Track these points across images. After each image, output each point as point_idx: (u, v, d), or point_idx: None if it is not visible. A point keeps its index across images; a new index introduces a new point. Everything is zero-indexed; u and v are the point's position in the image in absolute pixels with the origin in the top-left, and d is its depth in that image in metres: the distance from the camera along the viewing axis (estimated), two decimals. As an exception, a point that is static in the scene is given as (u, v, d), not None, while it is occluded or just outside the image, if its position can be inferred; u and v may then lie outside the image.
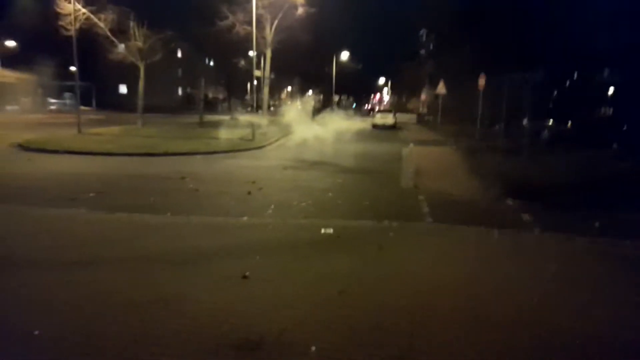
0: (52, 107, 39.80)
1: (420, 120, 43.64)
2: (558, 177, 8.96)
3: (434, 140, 22.96)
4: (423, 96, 47.72)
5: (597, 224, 6.89)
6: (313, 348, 3.04)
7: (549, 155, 13.43)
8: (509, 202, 8.40)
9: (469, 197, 9.06)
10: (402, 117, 43.72)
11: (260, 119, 23.15)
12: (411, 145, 19.56)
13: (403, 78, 60.51)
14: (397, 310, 3.65)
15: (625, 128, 21.39)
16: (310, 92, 54.32)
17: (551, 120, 29.30)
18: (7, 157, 12.51)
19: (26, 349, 2.99)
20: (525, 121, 23.12)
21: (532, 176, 9.06)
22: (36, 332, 3.15)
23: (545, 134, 23.79)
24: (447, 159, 15.87)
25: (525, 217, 7.31)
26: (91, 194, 7.99)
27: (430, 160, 15.01)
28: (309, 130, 21.39)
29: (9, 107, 35.70)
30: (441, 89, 27.72)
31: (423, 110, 47.97)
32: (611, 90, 36.96)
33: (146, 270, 4.36)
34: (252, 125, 18.60)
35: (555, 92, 36.97)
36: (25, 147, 13.76)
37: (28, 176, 9.86)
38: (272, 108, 27.40)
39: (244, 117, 28.14)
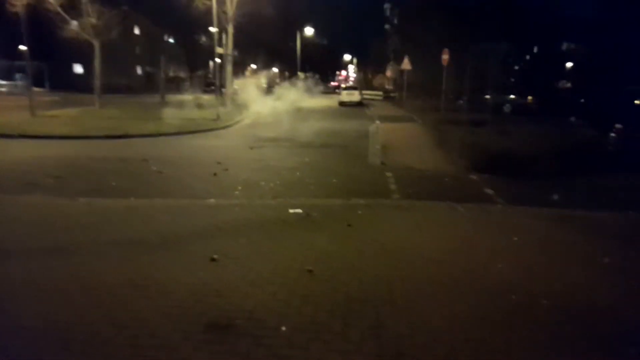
0: (2, 89, 37.72)
1: (387, 97, 43.82)
2: (519, 149, 9.20)
3: (399, 117, 23.13)
4: (388, 72, 47.81)
5: (556, 196, 7.15)
6: (283, 328, 3.03)
7: (511, 128, 13.75)
8: (473, 176, 8.58)
9: (434, 171, 9.21)
10: (369, 94, 43.82)
11: (225, 98, 22.68)
12: (377, 122, 19.64)
13: (369, 54, 60.40)
14: (368, 283, 3.68)
15: (583, 100, 22.11)
16: (274, 69, 53.46)
17: (513, 94, 29.98)
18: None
19: (4, 338, 2.86)
20: (488, 95, 23.57)
21: (495, 149, 9.28)
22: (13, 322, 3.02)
23: (508, 107, 24.38)
24: (413, 134, 16.04)
25: (488, 190, 7.50)
26: (50, 180, 7.66)
27: (397, 136, 15.13)
28: (274, 109, 21.13)
29: (-45, 90, 33.63)
30: (406, 64, 27.81)
31: (389, 86, 48.14)
32: (569, 64, 38.06)
33: (115, 255, 4.24)
34: (216, 105, 18.20)
35: (517, 67, 37.80)
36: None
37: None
38: (236, 86, 26.82)
39: (208, 97, 27.50)
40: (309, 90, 32.82)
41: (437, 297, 3.52)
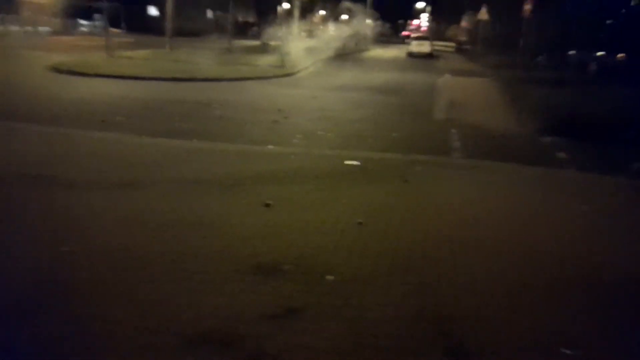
0: (83, 29, 39.55)
1: (459, 49, 41.45)
2: (600, 112, 8.43)
3: (471, 71, 21.88)
4: (463, 23, 44.94)
5: (637, 165, 6.53)
6: (328, 277, 3.04)
7: (596, 89, 12.59)
8: (546, 138, 8.01)
9: (504, 131, 8.69)
10: (440, 46, 41.65)
11: (292, 45, 22.43)
12: (447, 75, 18.71)
13: (443, 3, 56.83)
14: (418, 240, 3.59)
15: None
16: (344, 16, 51.88)
17: (601, 51, 27.25)
18: (41, 80, 12.64)
19: (63, 265, 3.11)
20: (571, 52, 21.62)
21: (573, 111, 8.56)
22: (65, 249, 3.26)
23: (594, 65, 22.26)
24: (484, 91, 15.15)
25: (561, 154, 6.98)
26: (121, 118, 8.04)
27: (467, 92, 14.37)
28: (341, 58, 20.70)
29: (40, 29, 35.70)
30: (483, 14, 25.97)
31: (463, 38, 45.39)
32: (673, 19, 33.80)
33: (174, 193, 4.42)
34: (282, 52, 18.08)
35: (609, 22, 34.14)
36: (58, 70, 13.84)
37: (61, 99, 9.97)
38: (304, 33, 26.40)
39: (275, 43, 27.35)
40: (378, 40, 31.70)
41: (489, 261, 3.37)
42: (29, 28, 34.09)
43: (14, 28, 32.11)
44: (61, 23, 38.34)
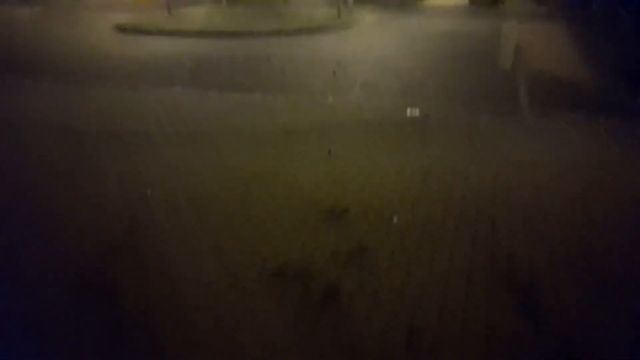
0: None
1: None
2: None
3: (542, 15, 20.38)
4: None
5: None
6: (395, 220, 3.16)
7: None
8: (628, 88, 7.48)
9: (579, 82, 8.19)
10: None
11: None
12: (513, 21, 17.58)
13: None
14: (485, 191, 3.61)
15: None
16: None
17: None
18: (109, 40, 13.22)
19: (144, 207, 3.43)
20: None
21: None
22: (149, 193, 3.58)
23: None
24: (557, 37, 14.15)
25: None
26: (185, 74, 8.35)
27: (536, 38, 13.49)
28: (401, 6, 19.94)
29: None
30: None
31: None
32: None
33: (240, 145, 4.66)
34: (339, 3, 17.63)
35: None
36: (123, 30, 14.37)
37: (130, 58, 10.45)
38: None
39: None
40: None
41: (561, 217, 3.33)
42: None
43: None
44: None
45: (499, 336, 2.15)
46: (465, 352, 2.08)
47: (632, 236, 3.01)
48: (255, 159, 4.26)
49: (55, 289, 2.54)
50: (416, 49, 11.20)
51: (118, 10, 19.74)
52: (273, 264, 2.70)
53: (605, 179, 3.87)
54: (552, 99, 6.74)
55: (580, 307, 2.36)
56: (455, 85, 7.69)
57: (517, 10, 23.06)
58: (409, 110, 5.68)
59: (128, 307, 2.39)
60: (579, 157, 4.34)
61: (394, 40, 12.73)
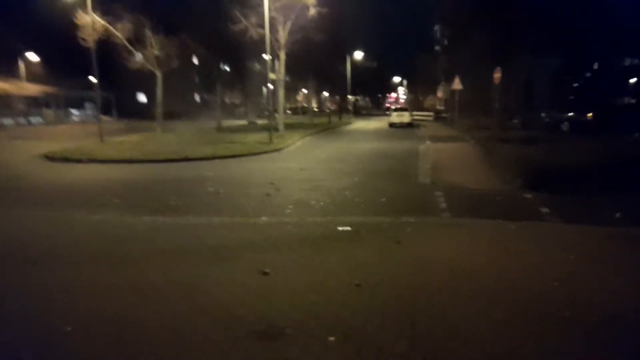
0: (75, 118, 40.79)
1: (438, 117, 43.37)
2: (576, 166, 8.87)
3: (450, 136, 22.82)
4: (439, 93, 47.37)
5: (618, 214, 6.83)
6: (331, 338, 3.13)
7: (568, 145, 13.24)
8: (528, 194, 8.36)
9: (487, 190, 9.04)
10: (420, 115, 43.58)
11: (277, 122, 23.35)
12: (427, 142, 19.49)
13: (418, 76, 60.11)
14: (417, 298, 3.71)
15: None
16: (325, 93, 54.27)
17: (572, 112, 28.80)
18: (35, 167, 12.93)
19: (58, 347, 3.16)
20: (543, 113, 22.79)
21: (550, 167, 9.00)
22: (68, 329, 3.32)
23: (566, 125, 23.40)
24: (464, 153, 15.78)
25: (544, 209, 7.28)
26: (117, 200, 8.24)
27: (447, 155, 14.96)
28: (325, 132, 21.52)
29: (32, 119, 36.74)
30: (457, 84, 27.52)
31: (440, 107, 47.61)
32: (633, 79, 36.09)
33: (173, 266, 4.54)
34: (269, 129, 18.79)
35: (576, 84, 36.28)
36: (50, 158, 14.19)
37: (58, 185, 10.20)
38: (288, 111, 27.54)
39: (261, 121, 28.40)
40: (359, 113, 33.08)
41: (491, 314, 3.50)
42: (22, 120, 35.03)
43: (7, 121, 32.98)
44: (53, 113, 39.50)
45: None
46: None
47: (545, 312, 3.18)
48: (183, 279, 4.16)
49: None
50: (343, 168, 11.96)
51: (51, 140, 19.62)
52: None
53: (521, 267, 4.15)
54: (467, 207, 7.35)
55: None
56: (381, 200, 8.18)
57: (431, 133, 25.71)
58: (339, 226, 5.91)
59: None
60: (495, 253, 4.66)
61: (322, 160, 13.55)
